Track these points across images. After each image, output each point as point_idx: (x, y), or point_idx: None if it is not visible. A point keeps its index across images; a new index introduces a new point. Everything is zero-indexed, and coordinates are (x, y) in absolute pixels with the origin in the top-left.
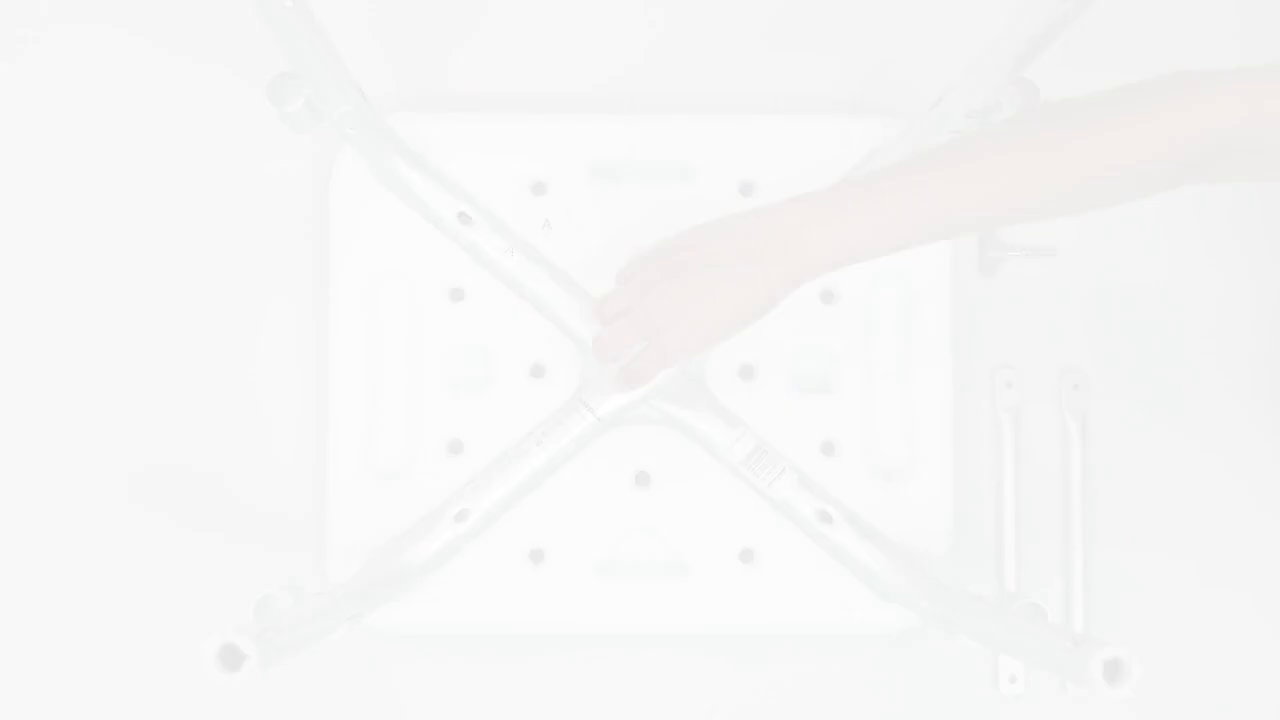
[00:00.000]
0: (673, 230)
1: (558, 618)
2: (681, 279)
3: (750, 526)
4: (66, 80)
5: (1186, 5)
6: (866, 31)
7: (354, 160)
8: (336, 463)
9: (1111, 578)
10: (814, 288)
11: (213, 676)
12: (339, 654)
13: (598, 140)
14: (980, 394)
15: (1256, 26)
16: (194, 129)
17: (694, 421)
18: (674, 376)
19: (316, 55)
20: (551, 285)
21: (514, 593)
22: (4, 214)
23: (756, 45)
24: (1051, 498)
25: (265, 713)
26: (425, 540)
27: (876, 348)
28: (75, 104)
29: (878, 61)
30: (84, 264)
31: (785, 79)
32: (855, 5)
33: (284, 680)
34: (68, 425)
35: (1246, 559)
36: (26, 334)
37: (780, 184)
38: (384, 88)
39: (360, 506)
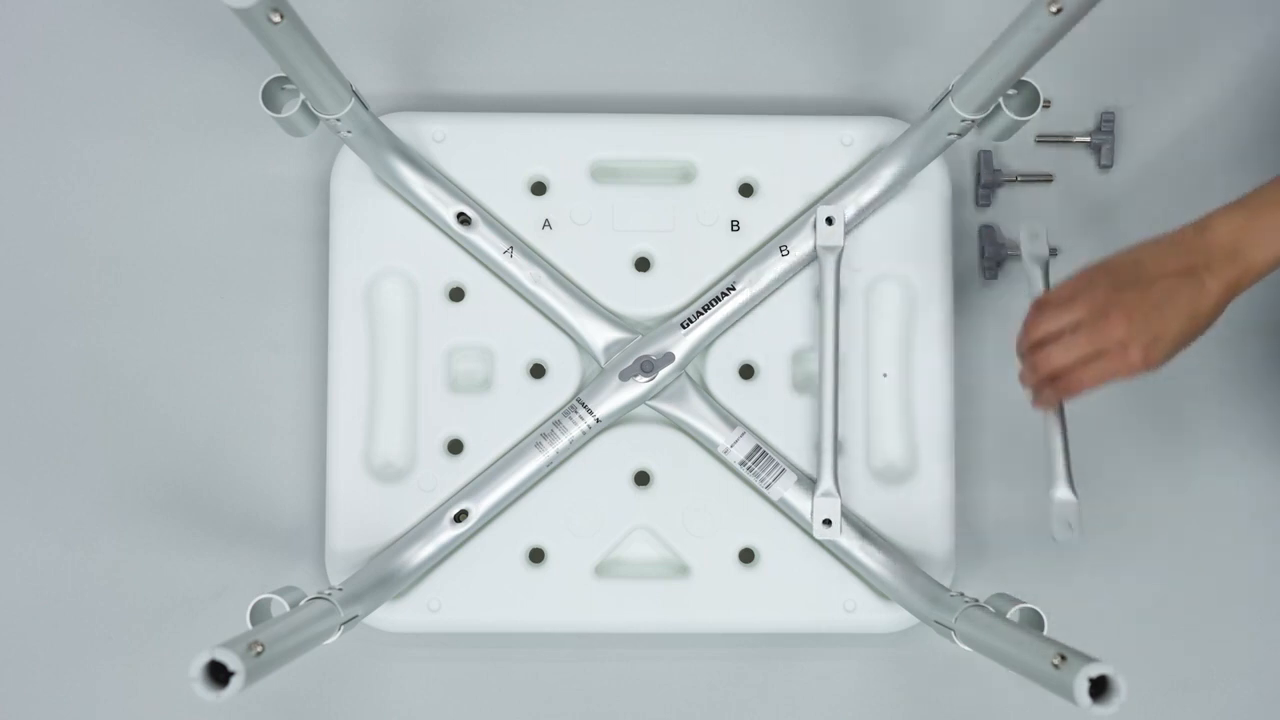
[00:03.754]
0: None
1: (558, 618)
2: (1138, 291)
3: (750, 526)
4: (66, 80)
5: (1185, 6)
6: (866, 31)
7: (354, 160)
8: (336, 463)
9: (1111, 579)
10: (811, 288)
11: (201, 694)
12: (338, 654)
13: (598, 140)
14: (980, 394)
15: (1259, 28)
16: (194, 128)
17: (694, 421)
18: (674, 376)
19: (308, 64)
20: (551, 285)
21: (514, 593)
22: (3, 215)
23: (757, 46)
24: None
25: (265, 712)
26: (425, 540)
27: (876, 348)
28: (74, 104)
29: (878, 61)
30: (84, 264)
31: (785, 79)
32: (856, 6)
33: (283, 679)
34: (66, 424)
35: (1251, 559)
36: (25, 334)
37: (780, 184)
38: (385, 88)
39: (360, 506)
